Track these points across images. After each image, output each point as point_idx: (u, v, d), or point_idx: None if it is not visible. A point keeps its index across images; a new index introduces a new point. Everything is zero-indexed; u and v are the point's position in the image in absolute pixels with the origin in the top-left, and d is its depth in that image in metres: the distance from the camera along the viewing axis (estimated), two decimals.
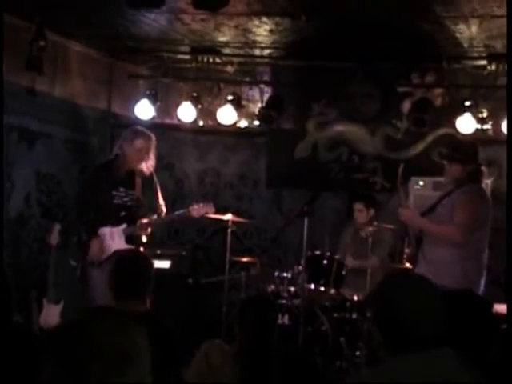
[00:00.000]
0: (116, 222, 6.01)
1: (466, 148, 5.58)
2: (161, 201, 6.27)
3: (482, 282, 5.28)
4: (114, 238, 5.96)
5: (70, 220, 6.87)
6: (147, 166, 6.13)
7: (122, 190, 6.07)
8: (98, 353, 1.55)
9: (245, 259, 7.21)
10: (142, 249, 5.97)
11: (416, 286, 2.47)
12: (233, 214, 6.96)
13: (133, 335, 1.63)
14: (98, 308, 1.74)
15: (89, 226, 6.03)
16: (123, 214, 6.03)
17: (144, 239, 6.14)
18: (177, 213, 6.24)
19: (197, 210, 6.06)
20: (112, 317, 1.68)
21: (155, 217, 6.16)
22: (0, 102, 5.99)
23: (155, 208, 6.21)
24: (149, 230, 6.17)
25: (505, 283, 7.31)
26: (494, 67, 7.20)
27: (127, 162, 6.09)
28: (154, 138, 6.14)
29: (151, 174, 6.19)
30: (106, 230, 5.98)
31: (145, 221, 6.10)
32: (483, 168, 5.50)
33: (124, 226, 6.01)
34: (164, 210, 6.27)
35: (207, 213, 6.16)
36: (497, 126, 7.28)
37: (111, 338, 1.59)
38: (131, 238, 6.01)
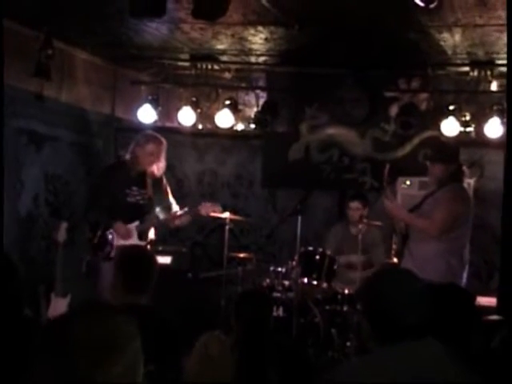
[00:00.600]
0: (128, 220, 6.02)
1: (447, 149, 5.62)
2: (171, 199, 6.29)
3: (465, 276, 5.31)
4: (127, 235, 5.97)
5: (77, 218, 6.86)
6: (158, 168, 6.16)
7: (134, 188, 6.09)
8: (82, 346, 1.51)
9: (241, 255, 7.21)
10: (149, 246, 6.00)
11: (403, 279, 2.49)
12: (230, 212, 6.97)
13: (118, 325, 1.59)
14: (83, 303, 1.70)
15: (103, 223, 6.03)
16: (135, 212, 6.04)
17: (153, 237, 6.17)
18: (186, 210, 6.25)
19: (205, 208, 6.09)
20: (95, 309, 1.64)
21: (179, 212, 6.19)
22: (0, 103, 5.98)
23: (167, 206, 6.22)
24: (187, 218, 6.17)
25: (486, 277, 7.35)
26: (476, 73, 7.20)
27: (139, 164, 6.11)
28: (164, 142, 6.16)
29: (161, 175, 6.23)
30: (119, 226, 5.99)
31: (179, 212, 6.14)
32: (464, 168, 5.54)
33: (137, 223, 6.03)
34: (175, 208, 6.29)
35: (215, 211, 6.19)
36: (479, 128, 7.27)
37: (94, 329, 1.55)
38: (142, 235, 6.03)
